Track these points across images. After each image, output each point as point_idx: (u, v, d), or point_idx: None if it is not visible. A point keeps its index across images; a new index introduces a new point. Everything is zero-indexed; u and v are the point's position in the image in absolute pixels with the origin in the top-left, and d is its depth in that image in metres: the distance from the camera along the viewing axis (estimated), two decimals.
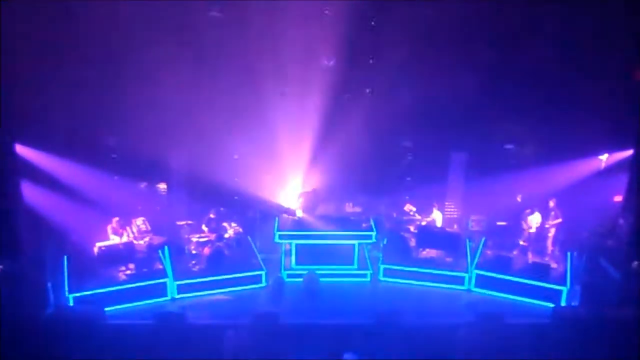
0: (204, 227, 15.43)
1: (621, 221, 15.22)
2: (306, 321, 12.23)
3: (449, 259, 15.06)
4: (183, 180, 17.07)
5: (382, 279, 14.90)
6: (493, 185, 16.22)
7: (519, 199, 15.37)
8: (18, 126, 14.21)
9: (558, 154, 15.96)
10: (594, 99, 15.66)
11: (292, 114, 16.59)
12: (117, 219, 14.60)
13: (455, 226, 16.60)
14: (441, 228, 15.77)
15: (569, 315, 12.25)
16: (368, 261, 15.39)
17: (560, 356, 11.10)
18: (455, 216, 17.43)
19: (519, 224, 15.52)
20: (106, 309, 12.43)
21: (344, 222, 15.45)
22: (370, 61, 16.31)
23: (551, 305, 13.08)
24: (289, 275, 14.76)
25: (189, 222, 16.02)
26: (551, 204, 15.11)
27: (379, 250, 15.81)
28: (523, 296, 13.79)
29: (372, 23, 15.83)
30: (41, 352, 10.79)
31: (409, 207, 16.29)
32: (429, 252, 15.36)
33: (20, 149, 14.40)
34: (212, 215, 15.61)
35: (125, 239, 14.50)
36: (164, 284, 13.73)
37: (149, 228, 15.12)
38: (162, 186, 17.42)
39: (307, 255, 14.96)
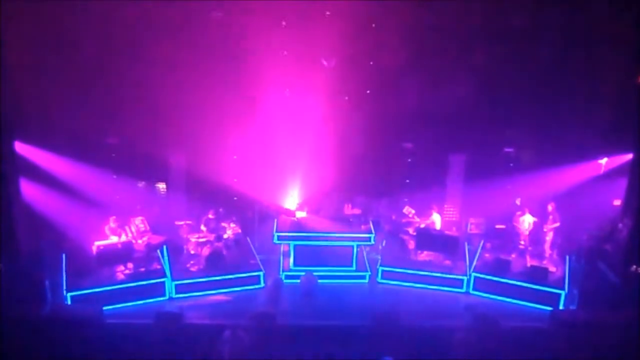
0: (202, 227, 15.42)
1: (620, 225, 15.24)
2: (304, 322, 12.21)
3: (447, 262, 15.04)
4: (182, 180, 17.07)
5: (380, 280, 14.88)
6: (492, 188, 16.25)
7: (517, 202, 15.36)
8: (18, 124, 14.23)
9: (557, 157, 15.98)
10: (593, 103, 15.73)
11: (292, 115, 16.60)
12: (113, 217, 14.56)
13: (454, 229, 16.60)
14: (440, 231, 15.76)
15: (567, 319, 12.24)
16: (366, 263, 15.38)
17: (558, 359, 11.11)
18: (454, 219, 17.44)
19: (513, 227, 15.52)
20: (104, 308, 12.39)
21: (342, 224, 15.45)
22: (370, 63, 16.34)
23: (549, 308, 13.06)
24: (287, 277, 14.75)
25: (188, 222, 16.02)
26: (550, 207, 15.09)
27: (378, 252, 15.81)
28: (521, 299, 13.77)
29: (373, 25, 15.88)
30: (39, 351, 10.76)
31: (407, 209, 16.28)
32: (427, 255, 15.34)
33: (20, 147, 14.38)
34: (210, 216, 15.60)
35: (123, 238, 14.48)
36: (162, 283, 13.71)
37: (148, 228, 15.12)
38: (161, 186, 17.41)
39: (306, 256, 14.94)
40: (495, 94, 16.14)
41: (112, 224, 14.48)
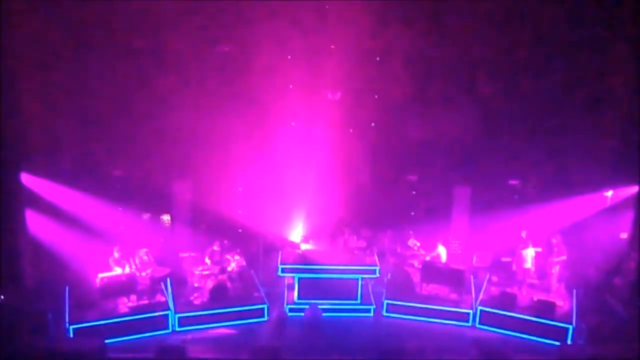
0: (207, 260, 15.33)
1: (628, 258, 15.11)
2: (308, 357, 12.07)
3: (453, 295, 14.89)
4: (187, 212, 17.07)
5: (385, 314, 14.73)
6: (497, 220, 16.17)
7: (523, 235, 15.26)
8: (25, 156, 14.33)
9: (562, 190, 15.94)
10: (598, 135, 15.77)
11: (297, 147, 16.68)
12: (117, 248, 14.52)
13: (460, 262, 16.47)
14: (445, 264, 15.65)
15: (576, 354, 12.05)
16: (371, 296, 15.24)
17: None
18: (459, 251, 17.33)
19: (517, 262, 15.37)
20: (106, 341, 12.27)
21: (347, 256, 15.37)
22: (375, 96, 16.49)
23: (557, 343, 12.87)
24: (292, 310, 14.62)
25: (192, 254, 15.96)
26: (555, 240, 14.98)
27: (383, 285, 15.68)
28: (528, 334, 13.57)
29: (377, 59, 16.07)
30: None
31: (413, 242, 16.20)
32: (433, 288, 15.21)
33: (26, 178, 14.45)
34: (215, 248, 15.53)
35: (127, 270, 14.41)
36: (166, 316, 13.59)
37: (152, 259, 15.06)
38: (166, 217, 17.40)
39: (310, 289, 14.81)
40: (499, 126, 16.23)
41: (116, 255, 14.43)
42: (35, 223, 14.56)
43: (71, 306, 13.10)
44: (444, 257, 15.84)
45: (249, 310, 14.25)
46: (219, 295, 14.28)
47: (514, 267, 15.18)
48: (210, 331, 13.71)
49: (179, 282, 14.91)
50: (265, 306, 14.33)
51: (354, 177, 16.79)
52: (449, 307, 14.47)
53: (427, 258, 15.76)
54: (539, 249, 15.03)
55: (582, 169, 15.87)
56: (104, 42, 14.84)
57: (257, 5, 15.05)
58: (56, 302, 13.18)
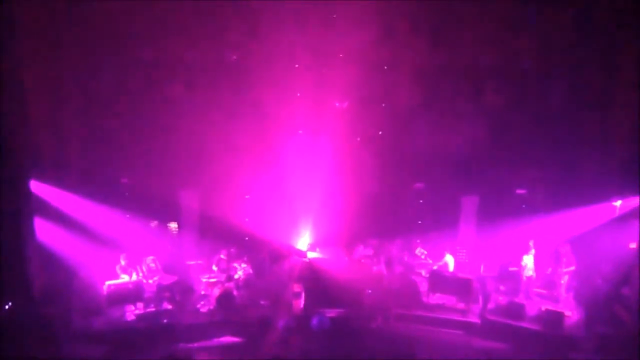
0: (214, 267, 15.37)
1: (637, 268, 14.98)
2: None
3: (460, 305, 14.83)
4: (194, 220, 17.09)
5: (393, 323, 14.66)
6: (505, 229, 16.10)
7: (531, 245, 15.19)
8: (34, 163, 14.41)
9: (570, 199, 15.86)
10: (606, 144, 15.71)
11: (304, 156, 16.70)
12: (124, 255, 14.56)
13: (467, 271, 16.40)
14: (453, 273, 15.59)
15: None
16: (378, 305, 15.18)
17: None
18: (466, 261, 17.25)
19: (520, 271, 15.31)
20: (112, 349, 12.28)
21: (354, 265, 15.34)
22: (382, 104, 16.50)
23: (565, 354, 12.77)
24: (299, 318, 14.57)
25: (199, 261, 15.98)
26: (563, 250, 14.90)
27: (390, 294, 15.61)
28: (536, 344, 13.47)
29: (385, 67, 16.09)
30: None
31: (420, 251, 16.16)
32: (440, 297, 15.15)
33: (35, 186, 14.52)
34: (222, 256, 15.55)
35: (134, 277, 14.44)
36: (172, 324, 13.58)
37: (159, 267, 15.08)
38: (173, 225, 17.43)
39: (317, 297, 14.79)
40: (507, 135, 16.20)
41: (123, 263, 14.46)
42: (44, 230, 14.61)
43: (79, 313, 13.12)
44: (451, 266, 15.79)
45: (256, 318, 14.23)
46: (225, 303, 14.28)
47: (524, 278, 15.10)
48: (217, 339, 13.70)
49: (186, 290, 14.91)
50: (272, 314, 14.30)
51: (361, 186, 16.77)
52: (456, 316, 14.40)
53: (435, 267, 15.72)
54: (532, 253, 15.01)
55: (590, 179, 15.80)
56: (113, 52, 14.95)
57: (265, 14, 15.12)
58: (64, 309, 13.22)
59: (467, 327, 14.28)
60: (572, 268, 14.79)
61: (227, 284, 14.73)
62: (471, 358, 12.74)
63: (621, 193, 15.78)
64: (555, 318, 13.66)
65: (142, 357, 12.40)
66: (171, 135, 15.78)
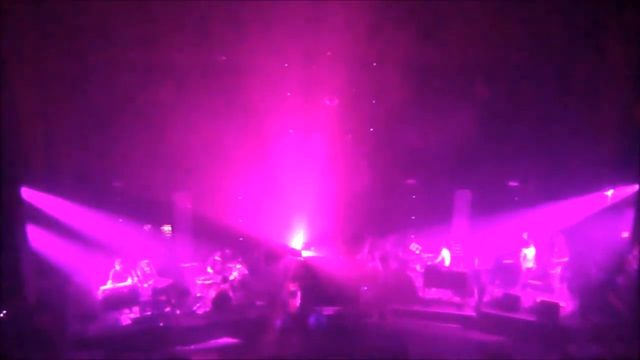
0: (209, 269, 15.35)
1: (630, 257, 15.08)
2: None
3: (456, 299, 14.88)
4: (188, 222, 17.04)
5: (389, 319, 14.68)
6: (498, 222, 16.16)
7: (525, 236, 15.26)
8: (24, 169, 14.35)
9: (562, 190, 15.94)
10: (597, 135, 15.78)
11: (296, 155, 16.70)
12: (119, 260, 14.52)
13: (462, 265, 16.46)
14: (448, 267, 15.63)
15: (579, 355, 12.03)
16: (374, 301, 15.20)
17: None
18: (461, 254, 17.30)
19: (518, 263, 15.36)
20: (109, 353, 12.25)
21: (349, 262, 15.36)
22: (373, 101, 16.52)
23: (561, 344, 12.83)
24: (295, 317, 14.57)
25: (194, 263, 15.96)
26: (556, 240, 14.98)
27: (386, 290, 15.64)
28: (532, 335, 13.53)
29: (374, 64, 16.11)
30: None
31: (414, 246, 16.19)
32: (435, 292, 15.19)
33: (26, 192, 14.46)
34: (217, 257, 15.53)
35: (129, 282, 14.41)
36: (169, 327, 13.56)
37: (154, 270, 15.06)
38: (167, 228, 17.38)
39: (313, 295, 14.79)
40: (498, 128, 16.25)
41: (118, 268, 14.42)
42: (36, 237, 14.56)
43: (73, 319, 13.09)
44: (447, 260, 15.84)
45: (253, 319, 14.22)
46: (221, 304, 14.28)
47: (523, 269, 15.14)
48: (214, 341, 13.68)
49: (182, 293, 14.89)
50: (268, 314, 14.30)
51: (354, 183, 16.79)
52: (452, 310, 14.45)
53: (429, 262, 15.74)
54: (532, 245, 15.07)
55: (582, 169, 15.87)
56: (102, 54, 14.89)
57: (252, 14, 15.09)
58: (59, 315, 13.19)
59: (463, 320, 14.34)
60: (566, 259, 14.88)
61: (222, 286, 14.71)
62: (468, 351, 12.76)
63: (613, 182, 15.88)
64: (550, 309, 13.71)
65: None
66: (162, 137, 15.71)
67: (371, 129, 16.97)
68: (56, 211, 15.01)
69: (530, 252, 15.06)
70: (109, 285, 14.11)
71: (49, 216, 14.87)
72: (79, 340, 12.81)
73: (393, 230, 17.30)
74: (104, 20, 14.50)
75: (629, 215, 15.57)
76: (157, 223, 17.16)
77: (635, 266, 14.66)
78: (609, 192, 16.04)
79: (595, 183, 15.90)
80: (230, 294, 14.64)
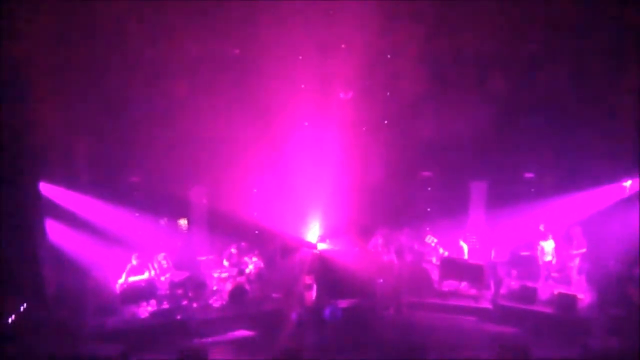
0: (225, 262, 15.43)
1: None
2: (330, 357, 12.08)
3: (472, 291, 14.83)
4: (204, 216, 17.15)
5: (405, 311, 14.68)
6: (515, 214, 16.06)
7: (541, 228, 15.15)
8: (43, 165, 14.49)
9: (579, 181, 15.79)
10: (615, 124, 15.57)
11: (311, 148, 16.70)
12: (136, 254, 14.65)
13: (478, 257, 16.38)
14: (464, 259, 15.58)
15: (598, 348, 11.92)
16: (391, 294, 15.20)
17: None
18: (477, 247, 17.23)
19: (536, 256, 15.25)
20: (128, 346, 12.36)
21: (364, 255, 15.35)
22: (387, 93, 16.45)
23: (579, 337, 12.75)
24: (311, 309, 14.62)
25: (210, 257, 16.05)
26: (574, 232, 14.85)
27: (402, 283, 15.62)
28: (550, 328, 13.46)
29: (388, 56, 16.03)
30: None
31: (430, 238, 16.15)
32: (452, 284, 15.15)
33: (45, 187, 14.61)
34: (233, 250, 15.60)
35: (146, 275, 14.53)
36: (186, 320, 13.67)
37: (170, 264, 15.17)
38: (183, 222, 17.49)
39: (329, 288, 14.83)
40: (514, 120, 16.11)
41: (135, 263, 14.54)
42: (55, 232, 14.71)
43: (92, 313, 13.24)
44: (466, 253, 15.78)
45: (269, 311, 14.31)
46: (238, 297, 14.36)
47: (541, 262, 15.04)
48: (231, 333, 13.78)
49: (198, 286, 15.00)
50: (284, 307, 14.36)
51: (369, 176, 16.76)
52: (469, 302, 14.41)
53: (445, 254, 15.69)
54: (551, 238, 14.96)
55: (599, 160, 15.70)
56: (118, 50, 14.95)
57: (266, 7, 15.07)
58: (77, 309, 13.34)
59: (479, 313, 14.31)
60: (583, 250, 14.76)
61: (238, 279, 14.80)
62: (484, 343, 12.72)
63: (631, 173, 15.69)
64: (568, 301, 13.63)
65: (157, 354, 12.48)
66: (177, 132, 15.78)
67: (386, 122, 16.90)
68: (74, 206, 15.17)
69: (548, 245, 14.93)
70: (127, 279, 14.23)
71: (68, 211, 15.03)
72: (97, 334, 12.96)
73: (408, 223, 17.24)
74: (119, 17, 14.55)
75: None
76: (174, 217, 17.29)
77: None
78: (627, 183, 15.86)
79: (613, 174, 15.72)
80: (247, 286, 14.71)
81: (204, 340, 13.32)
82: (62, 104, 14.98)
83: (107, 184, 15.80)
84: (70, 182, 15.17)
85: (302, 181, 16.68)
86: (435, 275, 15.38)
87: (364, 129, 16.96)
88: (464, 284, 15.03)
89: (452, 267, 15.18)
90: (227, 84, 15.85)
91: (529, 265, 15.39)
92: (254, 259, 15.69)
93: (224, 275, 15.02)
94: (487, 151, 16.35)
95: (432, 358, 11.29)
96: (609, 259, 15.32)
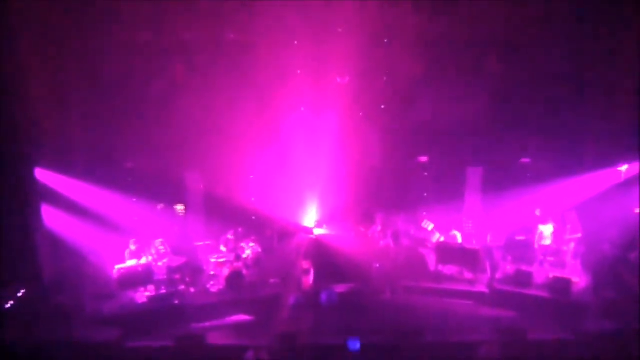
0: (222, 248, 15.46)
1: None
2: (327, 341, 12.14)
3: (468, 275, 14.91)
4: (200, 201, 17.15)
5: (401, 296, 14.76)
6: (510, 199, 16.11)
7: (537, 213, 15.20)
8: (38, 150, 14.44)
9: (575, 166, 15.83)
10: (610, 110, 15.59)
11: (307, 132, 16.68)
12: (133, 240, 14.67)
13: (474, 241, 16.46)
14: (460, 244, 15.64)
15: (592, 331, 12.03)
16: (387, 278, 15.27)
17: None
18: (473, 231, 17.29)
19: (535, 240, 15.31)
20: (125, 331, 12.42)
21: (361, 239, 15.40)
22: (384, 78, 16.41)
23: (574, 320, 12.86)
24: (308, 294, 14.69)
25: (207, 242, 16.07)
26: (569, 217, 14.91)
27: (398, 267, 15.70)
28: (545, 311, 13.56)
29: (385, 40, 15.96)
30: None
31: (426, 223, 16.20)
32: (448, 269, 15.22)
33: (40, 173, 14.57)
34: (230, 236, 15.63)
35: (144, 261, 14.56)
36: (183, 305, 13.73)
37: (168, 249, 15.19)
38: (180, 207, 17.50)
39: (326, 273, 14.89)
40: (510, 105, 16.11)
41: (133, 248, 14.57)
42: (51, 218, 14.70)
43: (89, 298, 13.28)
44: (460, 238, 15.84)
45: (266, 296, 14.36)
46: (235, 282, 14.41)
47: (537, 246, 15.12)
48: (228, 318, 13.84)
49: (196, 271, 15.04)
50: (281, 292, 14.43)
51: (365, 161, 16.77)
52: (465, 287, 14.49)
53: (442, 239, 15.75)
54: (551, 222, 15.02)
55: (595, 144, 15.73)
56: (113, 34, 14.86)
57: None
58: (75, 294, 13.37)
59: (475, 297, 14.39)
60: (579, 235, 14.81)
61: (235, 264, 14.85)
62: (480, 327, 12.82)
63: (626, 158, 15.72)
64: (563, 285, 13.71)
65: (155, 339, 12.53)
66: (173, 117, 15.73)
67: (382, 106, 16.87)
68: (71, 192, 15.13)
69: (547, 230, 14.97)
70: (125, 264, 14.26)
71: (64, 197, 15.01)
72: (95, 319, 13.00)
73: (405, 208, 17.30)
74: (114, 1, 14.43)
75: None
76: (170, 202, 17.29)
77: None
78: (623, 168, 15.89)
79: (609, 159, 15.76)
80: (244, 271, 14.77)
81: (201, 325, 13.40)
82: (58, 90, 14.92)
83: (104, 169, 15.76)
84: (66, 168, 15.12)
85: (299, 166, 16.70)
86: (431, 259, 15.45)
87: (360, 114, 16.93)
88: (460, 269, 15.09)
89: (448, 251, 15.25)
90: (223, 69, 15.77)
91: (524, 249, 15.46)
92: (251, 244, 15.73)
93: (221, 260, 15.05)
94: (483, 136, 16.36)
95: (429, 341, 11.40)
96: (604, 243, 15.39)
